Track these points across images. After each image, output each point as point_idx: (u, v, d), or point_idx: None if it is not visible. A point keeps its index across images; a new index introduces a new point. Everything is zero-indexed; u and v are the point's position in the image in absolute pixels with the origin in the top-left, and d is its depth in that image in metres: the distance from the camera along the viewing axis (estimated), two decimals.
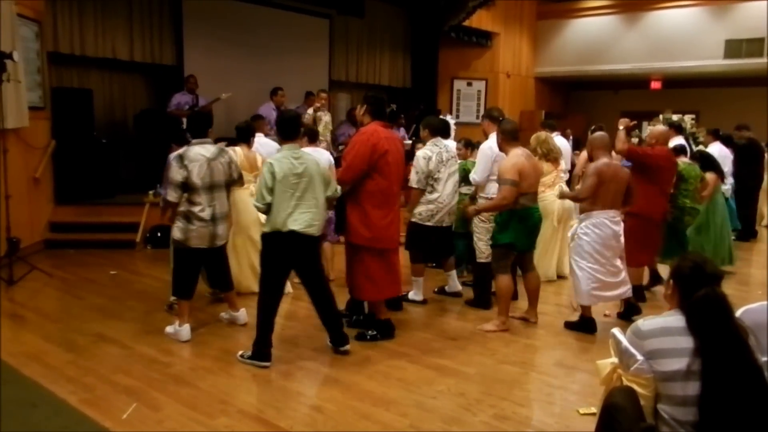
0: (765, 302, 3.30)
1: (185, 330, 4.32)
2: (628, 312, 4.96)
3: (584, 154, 6.79)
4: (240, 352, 3.99)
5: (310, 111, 8.43)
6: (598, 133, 5.01)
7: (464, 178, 5.71)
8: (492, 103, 12.93)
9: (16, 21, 6.28)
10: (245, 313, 4.67)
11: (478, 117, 12.67)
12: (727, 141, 8.33)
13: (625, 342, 2.43)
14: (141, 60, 8.81)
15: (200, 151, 4.26)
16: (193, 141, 4.32)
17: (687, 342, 2.25)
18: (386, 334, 4.45)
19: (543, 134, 6.37)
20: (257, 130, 5.78)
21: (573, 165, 8.06)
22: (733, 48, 11.73)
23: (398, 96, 12.06)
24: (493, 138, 5.05)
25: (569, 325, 4.84)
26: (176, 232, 4.29)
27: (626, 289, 4.84)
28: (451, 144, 5.77)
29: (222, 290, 4.78)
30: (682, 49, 12.22)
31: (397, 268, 4.47)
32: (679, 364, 2.22)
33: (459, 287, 5.64)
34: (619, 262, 4.78)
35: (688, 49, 12.17)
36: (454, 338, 4.60)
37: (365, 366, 4.01)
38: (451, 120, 6.88)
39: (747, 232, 8.67)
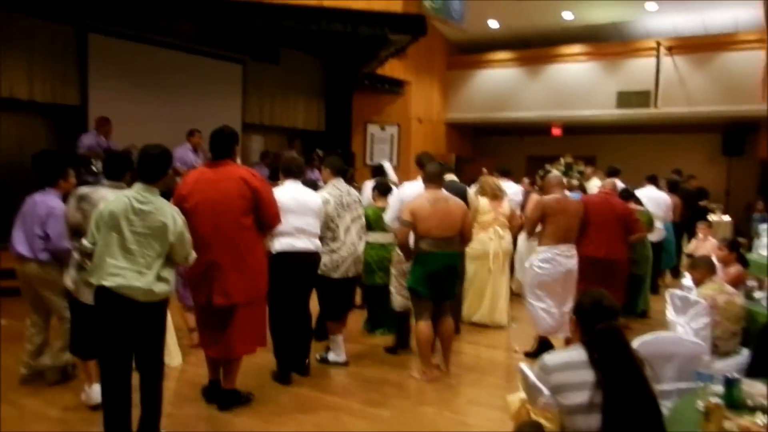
0: (658, 333, 3.53)
1: (95, 391, 3.77)
2: (541, 349, 5.08)
3: (534, 196, 7.14)
4: None
5: None
6: (553, 173, 5.30)
7: (368, 225, 5.30)
8: (404, 147, 13.29)
9: None
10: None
11: (391, 160, 12.95)
12: (673, 187, 8.60)
13: (532, 377, 2.52)
14: (41, 100, 8.42)
15: (106, 195, 3.64)
16: (105, 182, 3.78)
17: (589, 375, 2.33)
18: (208, 396, 4.01)
19: (489, 177, 6.58)
20: None
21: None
22: (624, 99, 12.69)
23: (313, 139, 12.15)
24: (412, 183, 5.22)
25: (529, 355, 4.96)
26: (68, 281, 3.77)
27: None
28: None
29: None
30: (580, 99, 13.09)
31: (220, 327, 3.80)
32: (582, 397, 2.30)
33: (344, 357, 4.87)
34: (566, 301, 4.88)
35: (585, 99, 13.05)
36: (368, 381, 4.57)
37: (276, 414, 3.91)
38: (387, 164, 6.85)
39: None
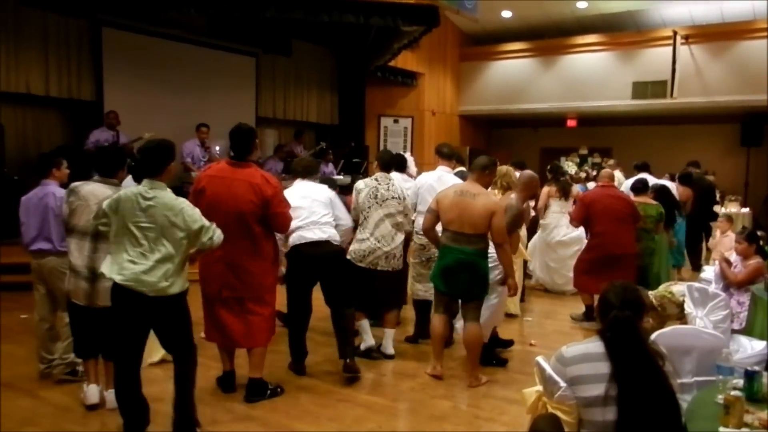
0: (677, 326, 3.50)
1: (91, 391, 3.78)
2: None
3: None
4: None
5: None
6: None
7: None
8: (418, 139, 13.26)
9: None
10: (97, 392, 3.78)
11: (404, 152, 12.92)
12: (685, 180, 8.38)
13: (549, 370, 2.49)
14: (57, 95, 8.51)
15: (94, 191, 3.68)
16: (95, 178, 3.78)
17: (606, 367, 2.31)
18: (224, 386, 4.14)
19: (505, 167, 6.48)
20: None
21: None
22: (639, 90, 12.53)
23: (326, 132, 12.15)
24: (433, 172, 5.33)
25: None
26: (66, 282, 3.77)
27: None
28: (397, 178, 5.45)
29: (105, 358, 3.79)
30: (594, 90, 12.95)
31: (228, 318, 3.88)
32: (599, 389, 2.28)
33: (391, 350, 4.91)
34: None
35: (599, 90, 12.91)
36: (383, 374, 4.58)
37: (294, 406, 3.92)
38: (408, 155, 6.87)
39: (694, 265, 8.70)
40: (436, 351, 4.54)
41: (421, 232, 4.80)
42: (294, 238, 4.34)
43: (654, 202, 6.41)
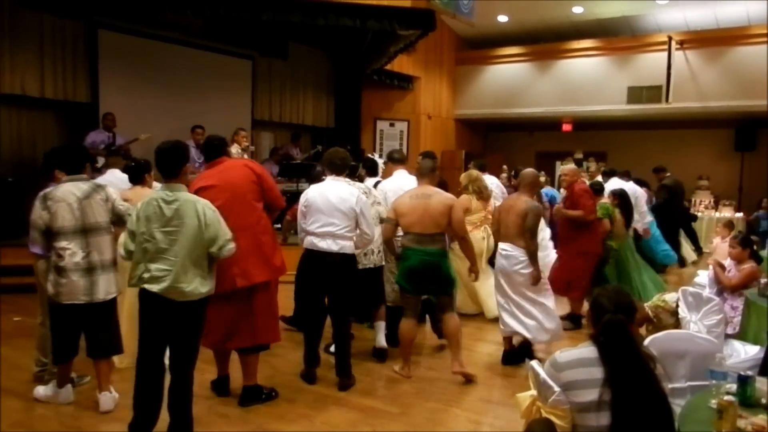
0: (670, 331, 3.51)
1: (66, 391, 3.82)
2: (519, 354, 4.90)
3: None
4: None
5: (235, 149, 8.29)
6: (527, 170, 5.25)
7: None
8: (414, 142, 13.27)
9: None
10: (111, 399, 3.80)
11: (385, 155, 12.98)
12: (640, 182, 8.82)
13: (543, 374, 2.50)
14: (53, 97, 8.49)
15: (70, 190, 3.68)
16: (65, 178, 3.77)
17: (599, 372, 2.32)
18: (219, 390, 4.12)
19: (474, 172, 6.54)
20: (113, 165, 5.74)
21: None
22: (635, 94, 12.60)
23: (322, 135, 12.15)
24: (395, 177, 5.43)
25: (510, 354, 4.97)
26: (49, 286, 3.72)
27: (523, 334, 4.79)
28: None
29: (94, 357, 3.80)
30: (589, 94, 13.01)
31: (224, 316, 3.84)
32: (593, 394, 2.28)
33: (384, 342, 4.98)
34: (523, 304, 4.71)
35: (595, 94, 12.98)
36: (379, 378, 4.57)
37: (289, 410, 3.92)
38: (379, 159, 6.93)
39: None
40: (405, 355, 4.60)
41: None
42: (306, 243, 4.33)
43: (604, 201, 6.57)
